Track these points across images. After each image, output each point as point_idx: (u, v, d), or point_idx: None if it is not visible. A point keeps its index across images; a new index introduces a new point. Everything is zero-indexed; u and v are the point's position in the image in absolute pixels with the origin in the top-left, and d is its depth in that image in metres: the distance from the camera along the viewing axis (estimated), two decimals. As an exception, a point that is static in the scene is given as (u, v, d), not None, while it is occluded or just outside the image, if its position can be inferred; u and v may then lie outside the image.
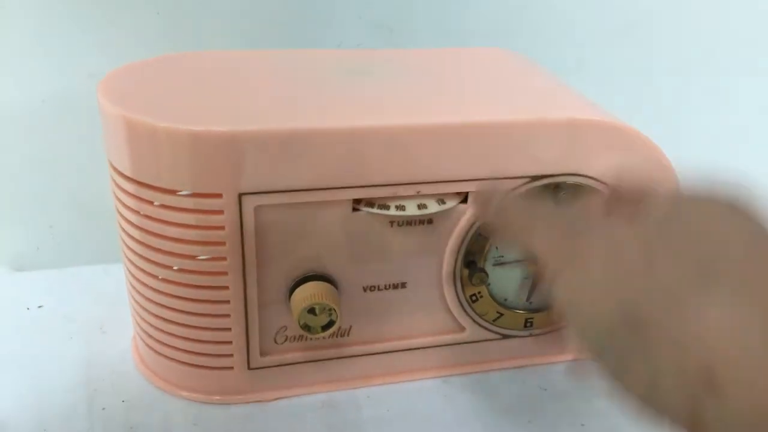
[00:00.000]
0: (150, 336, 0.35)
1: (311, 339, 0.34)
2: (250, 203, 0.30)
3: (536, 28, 0.53)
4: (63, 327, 0.41)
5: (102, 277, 0.46)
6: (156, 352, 0.35)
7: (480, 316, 0.36)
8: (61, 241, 0.54)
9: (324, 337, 0.33)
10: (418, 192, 0.31)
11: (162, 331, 0.34)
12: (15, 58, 0.46)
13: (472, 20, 0.52)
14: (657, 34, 0.57)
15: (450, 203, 0.32)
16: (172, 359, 0.35)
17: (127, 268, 0.34)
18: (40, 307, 0.42)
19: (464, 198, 0.33)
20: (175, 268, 0.31)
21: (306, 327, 0.32)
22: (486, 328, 0.37)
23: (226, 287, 0.32)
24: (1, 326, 0.40)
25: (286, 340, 0.34)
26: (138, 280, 0.34)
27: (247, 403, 0.35)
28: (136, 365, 0.38)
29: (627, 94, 0.55)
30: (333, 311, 0.32)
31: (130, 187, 0.31)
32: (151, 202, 0.30)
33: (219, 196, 0.29)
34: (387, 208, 0.31)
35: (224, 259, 0.31)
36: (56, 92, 0.48)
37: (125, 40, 0.47)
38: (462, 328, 0.37)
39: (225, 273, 0.31)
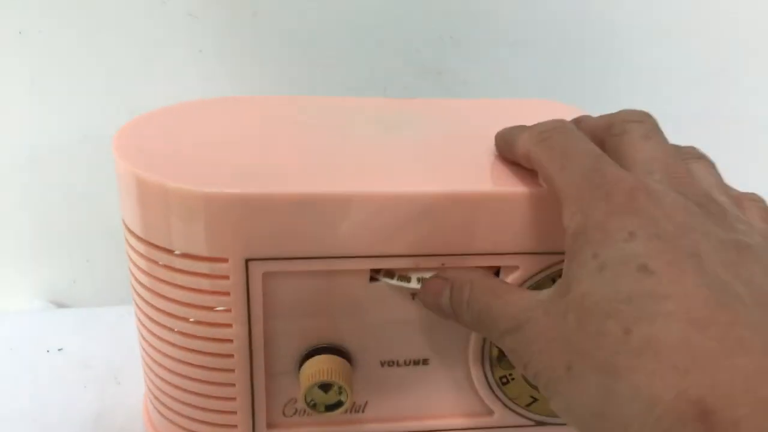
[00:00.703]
0: (157, 398, 0.33)
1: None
2: (257, 269, 0.28)
3: (599, 77, 0.50)
4: (79, 374, 0.40)
5: (128, 319, 0.44)
6: (162, 415, 0.33)
7: (511, 399, 0.32)
8: (97, 276, 0.53)
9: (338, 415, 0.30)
10: (442, 264, 0.28)
11: (167, 395, 0.32)
12: (56, 93, 0.47)
13: (531, 67, 0.49)
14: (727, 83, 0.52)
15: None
16: (177, 425, 0.33)
17: (138, 327, 0.33)
18: (60, 350, 0.42)
19: (496, 272, 0.29)
20: (184, 332, 0.29)
21: (313, 405, 0.29)
22: (518, 413, 0.33)
23: (231, 355, 0.29)
24: (18, 369, 0.39)
25: (295, 413, 0.32)
26: (146, 340, 0.32)
27: (252, 477, 0.33)
28: (144, 425, 0.36)
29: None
30: (343, 390, 0.29)
31: (141, 248, 0.29)
32: (158, 263, 0.28)
33: (225, 260, 0.27)
34: (408, 280, 0.28)
35: (230, 325, 0.29)
36: (97, 128, 0.48)
37: (164, 79, 0.47)
38: (490, 412, 0.33)
39: (230, 341, 0.29)
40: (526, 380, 0.32)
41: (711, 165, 0.25)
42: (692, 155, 0.26)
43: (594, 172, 0.23)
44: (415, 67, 0.48)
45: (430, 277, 0.28)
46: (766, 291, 0.20)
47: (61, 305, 0.53)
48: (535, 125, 0.27)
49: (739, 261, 0.20)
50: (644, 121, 0.25)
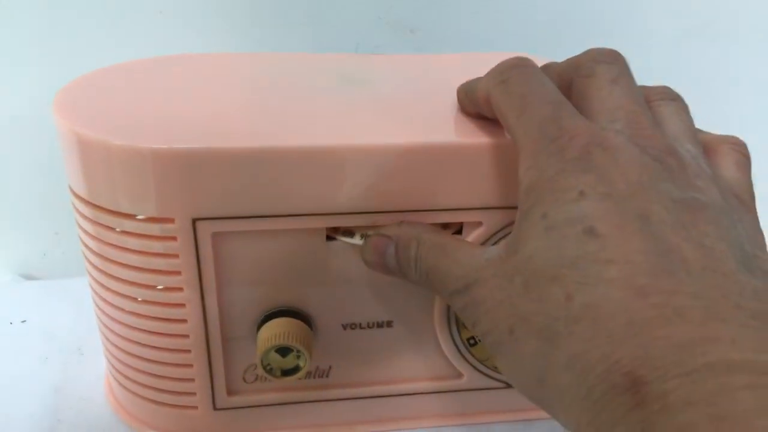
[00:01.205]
0: (115, 368, 0.32)
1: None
2: (206, 229, 0.26)
3: (572, 33, 0.48)
4: (41, 346, 0.38)
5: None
6: (122, 385, 0.32)
7: (480, 361, 0.31)
8: (66, 248, 0.52)
9: (298, 380, 0.29)
10: (402, 222, 0.27)
11: (125, 364, 0.31)
12: (14, 61, 0.45)
13: (505, 23, 0.47)
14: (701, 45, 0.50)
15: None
16: (136, 395, 0.32)
17: (92, 296, 0.31)
18: (23, 321, 0.40)
19: (458, 229, 0.28)
20: (136, 298, 0.28)
21: (269, 370, 0.28)
22: (487, 375, 0.32)
23: (185, 320, 0.28)
24: (-21, 342, 0.38)
25: (256, 379, 0.31)
26: (100, 308, 0.31)
27: (215, 446, 0.32)
28: (106, 396, 0.35)
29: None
30: (301, 354, 0.28)
31: (87, 211, 0.28)
32: (106, 227, 0.27)
33: (171, 221, 0.26)
34: (365, 237, 0.27)
35: (181, 289, 0.28)
36: (60, 95, 0.46)
37: (128, 39, 0.45)
38: (459, 375, 0.32)
39: (183, 305, 0.28)
40: (494, 341, 0.31)
41: (682, 108, 0.24)
42: (663, 96, 0.24)
43: (551, 123, 0.22)
44: (388, 24, 0.46)
45: (372, 235, 0.27)
46: (717, 255, 0.18)
47: (30, 278, 0.52)
48: (495, 65, 0.25)
49: (692, 222, 0.19)
50: (612, 63, 0.23)
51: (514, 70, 0.25)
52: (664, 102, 0.24)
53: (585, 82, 0.24)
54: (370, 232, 0.27)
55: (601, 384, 0.17)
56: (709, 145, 0.23)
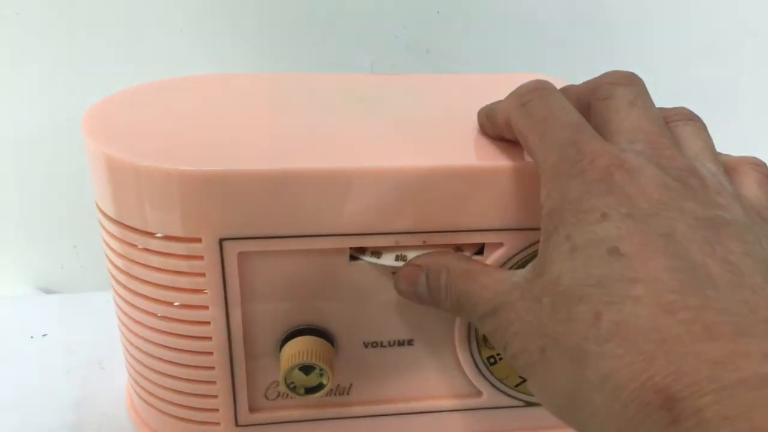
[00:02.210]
0: (137, 383, 0.33)
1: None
2: (232, 249, 0.27)
3: (588, 53, 0.49)
4: (62, 360, 0.39)
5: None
6: (144, 400, 0.33)
7: (500, 380, 0.32)
8: (84, 262, 0.53)
9: (319, 397, 0.30)
10: (424, 242, 0.27)
11: (148, 379, 0.31)
12: (38, 78, 0.46)
13: (520, 42, 0.48)
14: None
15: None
16: (158, 410, 0.32)
17: (116, 312, 0.32)
18: (44, 335, 0.41)
19: (479, 249, 0.28)
20: (160, 315, 0.29)
21: (293, 387, 0.29)
22: (506, 394, 0.32)
23: (209, 338, 0.29)
24: (2, 355, 0.39)
25: (278, 396, 0.31)
26: (124, 324, 0.31)
27: (235, 462, 0.32)
28: (127, 410, 0.35)
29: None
30: (324, 372, 0.28)
31: (114, 230, 0.28)
32: (133, 245, 0.28)
33: (198, 240, 0.26)
34: (396, 270, 0.28)
35: (206, 307, 0.28)
36: (81, 112, 0.47)
37: (150, 57, 0.46)
38: (479, 393, 0.32)
39: (207, 323, 0.28)
40: (513, 360, 0.31)
41: (700, 128, 0.24)
42: (681, 117, 0.24)
43: (571, 147, 0.22)
44: (403, 44, 0.47)
45: (403, 266, 0.27)
46: (743, 270, 0.19)
47: (48, 291, 0.53)
48: (516, 88, 0.26)
49: (716, 239, 0.19)
50: (630, 85, 0.24)
51: (535, 93, 0.25)
52: (682, 122, 0.24)
53: (603, 104, 0.24)
54: (401, 253, 0.27)
55: (634, 402, 0.17)
56: (729, 166, 0.24)
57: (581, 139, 0.22)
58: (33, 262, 0.52)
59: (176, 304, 0.28)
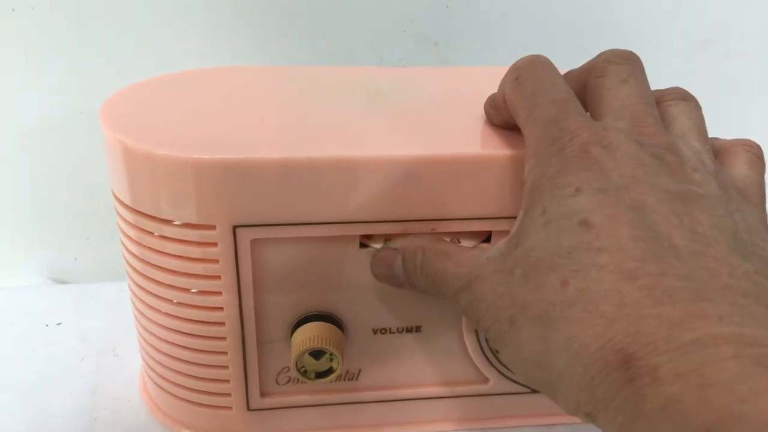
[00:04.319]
0: (152, 369, 0.33)
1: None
2: (245, 236, 0.27)
3: (598, 45, 0.49)
4: (77, 347, 0.40)
5: (128, 295, 0.45)
6: (158, 385, 0.33)
7: (506, 367, 0.32)
8: (97, 253, 0.54)
9: (330, 382, 0.30)
10: (432, 230, 0.28)
11: (162, 365, 0.32)
12: (51, 70, 0.46)
13: (526, 36, 0.48)
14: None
15: (467, 243, 0.28)
16: (172, 394, 0.33)
17: (131, 298, 0.33)
18: (59, 324, 0.42)
19: (486, 237, 0.29)
20: (174, 301, 0.30)
21: (304, 372, 0.29)
22: (513, 380, 0.33)
23: (222, 323, 0.29)
24: (16, 343, 0.40)
25: (288, 381, 0.32)
26: (139, 310, 0.32)
27: (247, 445, 0.33)
28: (141, 396, 0.36)
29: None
30: (334, 357, 0.29)
31: (130, 217, 0.29)
32: (148, 232, 0.28)
33: (213, 227, 0.27)
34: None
35: (219, 293, 0.29)
36: (94, 104, 0.48)
37: (163, 50, 0.46)
38: (485, 379, 0.33)
39: (221, 308, 0.29)
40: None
41: (692, 107, 0.25)
42: (674, 96, 0.25)
43: (554, 124, 0.23)
44: (412, 37, 0.47)
45: (379, 250, 0.28)
46: (708, 241, 0.19)
47: (62, 282, 0.54)
48: (512, 64, 0.27)
49: (685, 212, 0.20)
50: (624, 63, 0.25)
51: (528, 67, 0.26)
52: (674, 102, 0.25)
53: (597, 82, 0.25)
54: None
55: (595, 362, 0.18)
56: (722, 147, 0.25)
57: (565, 116, 0.23)
58: (47, 254, 0.53)
59: (194, 290, 0.29)
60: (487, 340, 0.31)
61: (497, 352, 0.31)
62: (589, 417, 0.19)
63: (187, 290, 0.29)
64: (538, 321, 0.20)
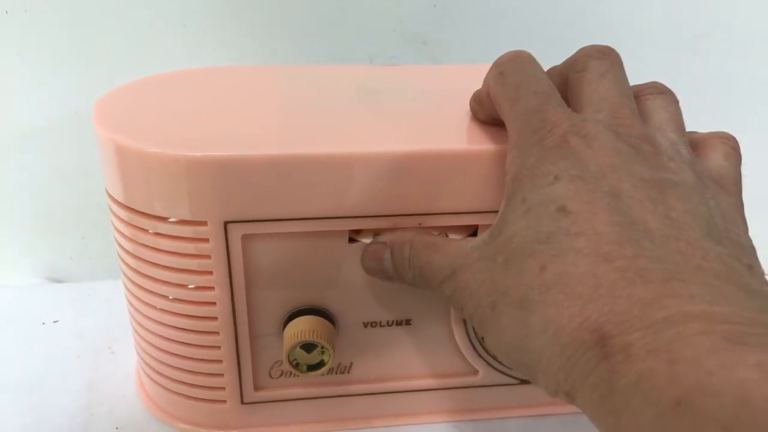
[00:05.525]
0: (147, 364, 0.34)
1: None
2: (236, 232, 0.28)
3: (583, 44, 0.50)
4: (73, 345, 0.40)
5: (122, 292, 0.45)
6: (153, 380, 0.34)
7: (495, 358, 0.33)
8: (93, 253, 0.54)
9: (321, 375, 0.31)
10: (420, 224, 0.29)
11: (157, 360, 0.33)
12: (45, 71, 0.47)
13: (513, 34, 0.49)
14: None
15: (455, 237, 0.29)
16: (167, 389, 0.33)
17: (126, 294, 0.33)
18: (55, 322, 0.42)
19: (473, 232, 0.30)
20: (168, 297, 0.30)
21: (296, 365, 0.30)
22: (502, 372, 0.33)
23: (215, 318, 0.30)
24: (13, 341, 0.40)
25: (281, 375, 0.32)
26: (133, 306, 0.32)
27: (242, 438, 0.33)
28: (137, 391, 0.36)
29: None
30: (325, 350, 0.29)
31: (123, 214, 0.29)
32: (141, 229, 0.29)
33: (204, 223, 0.28)
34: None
35: (212, 288, 0.29)
36: (88, 104, 0.48)
37: (155, 50, 0.47)
38: (475, 371, 0.33)
39: (213, 303, 0.30)
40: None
41: (670, 101, 0.26)
42: (652, 90, 0.26)
43: (535, 115, 0.23)
44: (401, 36, 0.48)
45: (369, 244, 0.29)
46: (681, 225, 0.20)
47: (57, 281, 0.54)
48: (496, 59, 0.27)
49: (660, 198, 0.21)
50: (604, 58, 0.25)
51: (512, 62, 0.27)
52: (652, 96, 0.26)
53: (578, 76, 0.26)
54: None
55: (572, 342, 0.19)
56: (699, 140, 0.25)
57: (546, 107, 0.24)
58: (42, 253, 0.54)
59: (191, 286, 0.29)
60: (474, 329, 0.32)
61: (483, 339, 0.32)
62: (569, 397, 0.20)
63: (180, 286, 0.29)
64: (518, 305, 0.21)
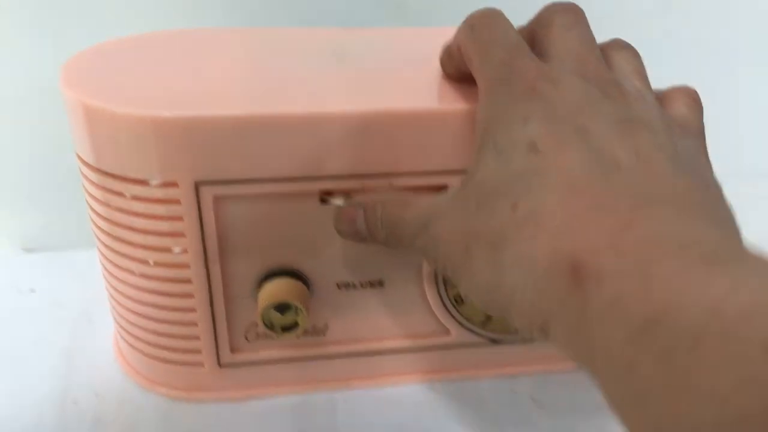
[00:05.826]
0: (124, 329, 0.34)
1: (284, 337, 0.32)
2: (208, 193, 0.28)
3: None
4: (51, 313, 0.40)
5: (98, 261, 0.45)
6: (131, 345, 0.34)
7: (466, 319, 0.33)
8: (67, 222, 0.54)
9: (296, 337, 0.31)
10: (390, 184, 0.29)
11: (134, 324, 0.33)
12: (15, 36, 0.46)
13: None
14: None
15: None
16: (145, 354, 0.34)
17: (100, 260, 0.33)
18: (32, 291, 0.42)
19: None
20: (141, 260, 0.30)
21: (270, 326, 0.30)
22: (473, 332, 0.34)
23: (189, 280, 0.30)
24: (-9, 311, 0.40)
25: (257, 337, 0.33)
26: (108, 271, 0.33)
27: (219, 400, 0.34)
28: (115, 357, 0.37)
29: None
30: (299, 312, 0.30)
31: (94, 177, 0.29)
32: (113, 192, 0.29)
33: (175, 185, 0.28)
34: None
35: (185, 251, 0.29)
36: (57, 67, 0.47)
37: (118, 18, 0.46)
38: (447, 332, 0.34)
39: (187, 266, 0.30)
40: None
41: (633, 54, 0.26)
42: (616, 45, 0.27)
43: (504, 66, 0.24)
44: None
45: (341, 206, 0.29)
46: (651, 158, 0.21)
47: (31, 251, 0.54)
48: (467, 16, 0.28)
49: (629, 134, 0.21)
50: (568, 13, 0.26)
51: (482, 18, 0.27)
52: (615, 50, 0.27)
53: (544, 32, 0.26)
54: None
55: (545, 273, 0.19)
56: (663, 94, 0.26)
57: (515, 58, 0.24)
58: (15, 223, 0.53)
59: (156, 248, 0.29)
60: (446, 287, 0.32)
61: (456, 300, 0.32)
62: (543, 331, 0.20)
63: (153, 248, 0.30)
64: (491, 246, 0.21)
